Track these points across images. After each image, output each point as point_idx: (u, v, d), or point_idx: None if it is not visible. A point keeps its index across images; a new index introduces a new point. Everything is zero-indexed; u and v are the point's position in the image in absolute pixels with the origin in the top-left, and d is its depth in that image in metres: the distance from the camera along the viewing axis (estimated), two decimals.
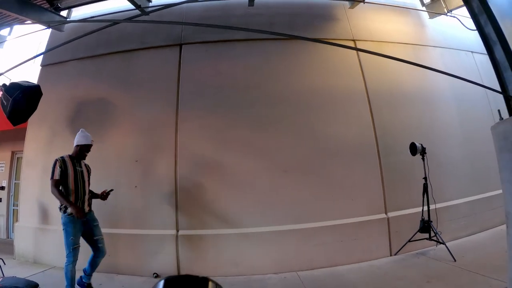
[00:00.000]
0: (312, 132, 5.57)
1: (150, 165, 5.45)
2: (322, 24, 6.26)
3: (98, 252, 4.16)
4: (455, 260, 4.66)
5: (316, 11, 6.37)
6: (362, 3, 6.32)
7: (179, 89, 5.67)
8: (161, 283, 0.76)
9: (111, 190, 4.30)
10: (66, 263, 3.88)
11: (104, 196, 4.34)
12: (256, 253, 5.02)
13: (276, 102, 5.62)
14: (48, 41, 6.61)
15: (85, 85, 5.98)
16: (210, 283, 0.80)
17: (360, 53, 6.15)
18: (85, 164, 4.40)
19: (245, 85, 5.68)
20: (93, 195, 4.41)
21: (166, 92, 5.68)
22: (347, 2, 6.51)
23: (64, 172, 4.05)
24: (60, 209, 4.02)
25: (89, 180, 4.34)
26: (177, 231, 5.18)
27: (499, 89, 3.52)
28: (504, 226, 5.91)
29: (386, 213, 5.50)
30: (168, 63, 5.85)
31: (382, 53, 6.05)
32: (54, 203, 5.36)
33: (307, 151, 5.48)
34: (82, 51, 6.15)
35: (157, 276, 4.93)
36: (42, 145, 5.97)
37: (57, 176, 4.00)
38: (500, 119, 3.42)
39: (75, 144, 4.30)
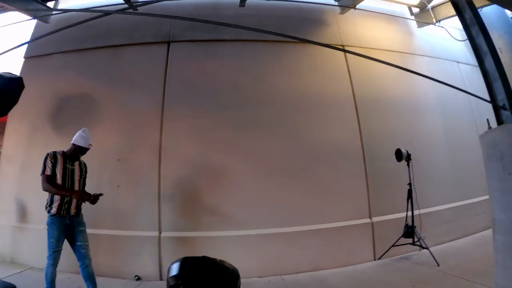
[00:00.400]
0: (299, 135, 5.54)
1: (133, 165, 5.28)
2: (312, 28, 6.26)
3: (81, 259, 3.82)
4: (438, 265, 4.70)
5: (306, 15, 6.36)
6: (353, 9, 6.35)
7: (165, 87, 5.55)
8: (177, 263, 0.72)
9: (101, 194, 3.92)
10: (46, 265, 3.64)
11: (92, 199, 3.91)
12: (241, 256, 4.86)
13: (263, 104, 5.56)
14: (33, 33, 6.38)
15: (69, 80, 5.79)
16: (226, 266, 0.77)
17: (348, 59, 6.18)
18: (80, 163, 4.11)
19: (233, 86, 5.61)
20: None
21: (152, 90, 5.56)
22: (337, 8, 6.54)
23: (52, 168, 3.80)
24: (46, 208, 3.77)
25: (81, 181, 4.05)
26: (160, 232, 5.03)
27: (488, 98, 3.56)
28: (485, 232, 6.15)
29: (370, 218, 5.51)
30: (155, 60, 5.73)
31: (370, 60, 6.24)
32: (33, 200, 5.25)
33: (293, 154, 5.43)
34: (68, 44, 5.96)
35: (138, 278, 4.77)
36: (22, 140, 5.75)
37: (48, 171, 3.76)
38: (488, 128, 3.46)
39: (72, 142, 4.01)
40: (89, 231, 4.80)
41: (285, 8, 6.30)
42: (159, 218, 5.10)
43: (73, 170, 3.94)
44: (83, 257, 3.81)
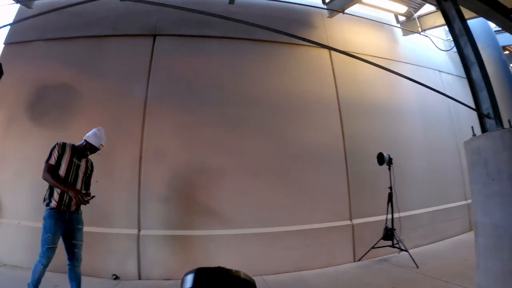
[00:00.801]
0: (283, 136, 5.51)
1: (113, 159, 5.06)
2: (300, 30, 6.23)
3: (73, 258, 3.61)
4: (418, 267, 4.78)
5: (295, 16, 6.35)
6: (340, 14, 6.38)
7: (149, 81, 5.38)
8: (192, 274, 0.66)
9: (93, 196, 3.67)
10: (36, 262, 3.40)
11: (84, 201, 3.62)
12: (221, 256, 4.81)
13: (248, 103, 5.50)
14: (15, 18, 6.10)
15: (50, 68, 5.52)
16: (242, 277, 0.71)
17: (334, 62, 6.23)
18: (87, 161, 3.90)
19: (218, 83, 5.51)
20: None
21: (135, 83, 5.38)
22: (326, 11, 6.56)
23: (58, 158, 3.59)
24: (44, 200, 3.53)
25: (85, 179, 3.83)
26: (139, 230, 4.84)
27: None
28: (462, 236, 6.31)
29: (351, 220, 5.53)
30: (140, 53, 5.55)
31: (356, 65, 6.31)
32: (6, 193, 5.03)
33: (276, 154, 5.40)
34: (51, 32, 5.70)
35: (116, 277, 4.57)
36: None
37: (53, 161, 3.55)
38: (473, 135, 3.54)
39: (84, 138, 3.83)
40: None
41: (274, 8, 6.26)
42: (139, 216, 4.91)
43: (78, 166, 3.73)
44: (75, 257, 3.62)
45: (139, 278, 4.67)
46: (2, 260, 4.83)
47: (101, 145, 3.90)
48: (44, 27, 5.60)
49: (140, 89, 5.34)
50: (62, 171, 3.58)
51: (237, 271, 0.70)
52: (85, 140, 3.81)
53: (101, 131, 3.94)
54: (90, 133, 3.87)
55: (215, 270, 0.74)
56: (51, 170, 3.52)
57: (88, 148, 3.81)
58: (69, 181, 3.59)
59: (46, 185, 3.57)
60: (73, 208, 3.56)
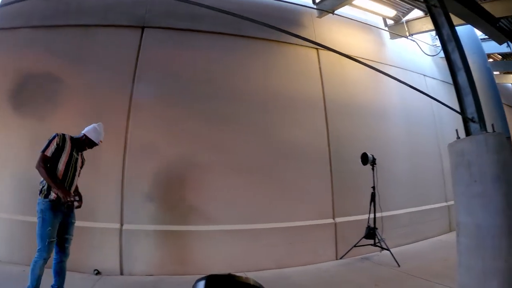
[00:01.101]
0: (268, 133, 5.49)
1: (97, 152, 4.81)
2: (289, 28, 6.07)
3: (62, 253, 3.48)
4: (399, 266, 4.84)
5: (284, 14, 6.30)
6: (330, 14, 6.40)
7: (136, 74, 5.24)
8: (203, 281, 0.65)
9: (79, 201, 3.53)
10: (36, 258, 3.22)
11: (72, 205, 3.49)
12: (204, 252, 4.77)
13: (235, 99, 5.46)
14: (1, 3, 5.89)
15: (35, 57, 5.30)
16: (252, 284, 0.70)
17: (322, 63, 6.26)
18: (82, 155, 3.81)
19: (206, 78, 5.43)
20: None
21: (121, 75, 5.23)
22: (315, 11, 6.55)
23: (59, 151, 3.43)
24: (41, 192, 3.35)
25: (79, 173, 3.75)
26: (122, 225, 4.72)
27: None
28: (442, 236, 6.44)
29: (334, 218, 5.57)
30: (127, 45, 5.39)
31: (343, 67, 6.37)
32: None
33: (262, 152, 5.37)
34: (37, 19, 5.46)
35: (98, 273, 4.43)
36: None
37: (49, 152, 3.37)
38: (457, 138, 3.59)
39: (83, 132, 3.69)
40: None
41: (264, 5, 6.21)
42: (122, 210, 4.78)
43: (76, 160, 3.64)
44: (64, 252, 3.49)
45: (121, 274, 4.56)
46: None
47: (100, 141, 3.79)
48: (30, 13, 5.38)
49: (126, 81, 5.20)
50: (62, 164, 3.45)
51: (247, 278, 0.70)
52: (84, 135, 3.69)
53: (101, 126, 3.82)
54: (89, 128, 3.73)
55: (226, 277, 0.73)
56: (46, 162, 3.37)
57: (87, 143, 3.71)
58: (68, 176, 3.49)
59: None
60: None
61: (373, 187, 5.46)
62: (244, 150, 5.30)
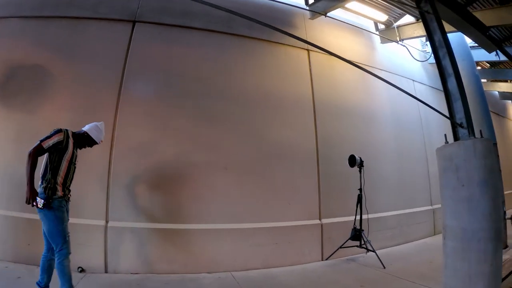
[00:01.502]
0: (257, 133, 5.46)
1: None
2: (281, 28, 6.21)
3: (53, 251, 3.31)
4: (384, 267, 4.86)
5: (276, 14, 6.28)
6: (322, 16, 6.39)
7: (125, 69, 5.12)
8: None
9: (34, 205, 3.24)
10: (60, 258, 3.14)
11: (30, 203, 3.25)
12: (190, 250, 4.70)
13: (225, 98, 5.40)
14: None
15: (24, 48, 5.14)
16: None
17: (312, 64, 6.25)
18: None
19: (196, 75, 5.36)
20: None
21: (111, 69, 5.11)
22: (307, 12, 6.54)
23: (63, 149, 3.34)
24: (46, 189, 3.20)
25: None
26: (107, 222, 4.61)
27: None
28: (427, 239, 6.51)
29: (320, 219, 5.56)
30: (118, 39, 5.27)
31: (333, 69, 6.37)
32: None
33: (250, 151, 5.34)
34: (27, 9, 5.30)
35: (82, 270, 4.31)
36: None
37: (46, 145, 3.23)
38: (445, 143, 3.62)
39: (84, 129, 3.62)
40: (28, 216, 4.37)
41: (257, 5, 6.19)
42: (107, 207, 4.66)
43: (76, 156, 3.56)
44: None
45: (106, 271, 4.46)
46: None
47: (101, 140, 3.76)
48: (20, 3, 5.25)
49: (115, 76, 5.08)
50: (65, 161, 3.37)
51: None
52: (86, 132, 3.61)
53: (103, 125, 3.77)
54: (91, 126, 3.66)
55: None
56: (39, 153, 3.24)
57: (87, 143, 3.65)
58: (70, 173, 3.43)
59: (41, 169, 3.34)
60: (69, 199, 3.44)
61: (360, 189, 5.46)
62: (232, 149, 5.25)
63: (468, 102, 3.74)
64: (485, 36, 4.67)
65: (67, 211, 3.43)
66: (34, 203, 3.15)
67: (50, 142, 3.26)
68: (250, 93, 5.59)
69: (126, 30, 5.36)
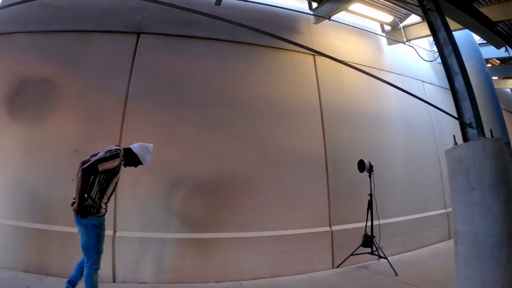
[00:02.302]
0: (264, 140, 5.38)
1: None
2: (285, 35, 6.05)
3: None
4: (396, 274, 4.70)
5: (280, 21, 6.24)
6: (326, 20, 6.31)
7: (131, 79, 5.15)
8: None
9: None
10: (90, 271, 3.24)
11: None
12: (198, 260, 4.64)
13: (230, 105, 5.35)
14: None
15: (31, 62, 5.24)
16: None
17: (318, 68, 6.16)
18: None
19: (201, 84, 5.34)
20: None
21: (117, 81, 5.14)
22: (311, 17, 6.48)
23: (115, 172, 3.38)
24: (92, 207, 3.24)
25: None
26: (115, 232, 4.60)
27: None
28: (441, 244, 6.27)
29: (330, 226, 5.42)
30: (123, 50, 5.32)
31: (339, 72, 6.26)
32: None
33: (256, 159, 5.25)
34: (33, 24, 5.42)
35: None
36: None
37: (102, 168, 3.22)
38: (454, 144, 3.48)
39: (134, 150, 3.62)
40: (39, 226, 4.52)
41: (260, 12, 6.15)
42: (115, 216, 4.65)
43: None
44: None
45: (114, 281, 4.44)
46: None
47: (147, 163, 3.75)
48: (27, 19, 5.37)
49: (121, 87, 5.11)
50: (113, 184, 3.41)
51: None
52: (136, 155, 3.62)
53: (152, 148, 3.78)
54: (140, 146, 3.67)
55: None
56: (93, 172, 3.21)
57: (132, 163, 3.66)
58: (112, 194, 3.48)
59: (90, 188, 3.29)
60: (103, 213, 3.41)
61: (370, 195, 5.32)
62: (238, 157, 5.18)
63: (479, 101, 3.60)
64: (493, 32, 4.49)
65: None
66: (80, 215, 3.20)
67: (106, 166, 3.25)
68: (255, 100, 5.53)
69: (131, 41, 5.41)
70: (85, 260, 3.28)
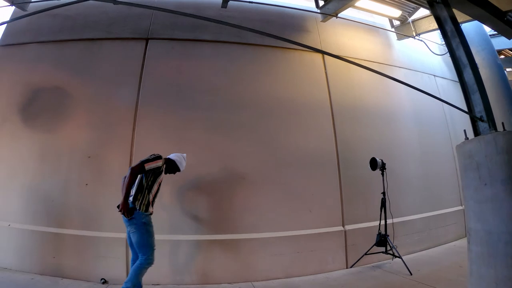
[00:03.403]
0: (274, 141, 5.36)
1: (104, 163, 4.93)
2: (293, 34, 6.11)
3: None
4: (411, 274, 4.62)
5: (288, 20, 6.23)
6: (334, 18, 6.25)
7: (141, 84, 5.25)
8: None
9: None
10: (143, 263, 3.56)
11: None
12: (211, 261, 4.66)
13: (239, 107, 5.36)
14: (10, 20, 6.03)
15: (43, 71, 5.41)
16: None
17: (327, 67, 6.10)
18: None
19: (209, 87, 5.38)
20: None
21: (127, 86, 5.25)
22: (319, 15, 6.43)
23: (159, 173, 3.78)
24: (141, 206, 3.62)
25: None
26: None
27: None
28: (457, 242, 6.14)
29: (343, 226, 5.36)
30: (132, 56, 5.42)
31: (349, 69, 6.17)
32: None
33: (267, 159, 5.24)
34: (44, 34, 5.60)
35: (105, 282, 4.41)
36: None
37: (147, 167, 3.64)
38: (465, 139, 3.39)
39: (174, 159, 4.03)
40: (54, 230, 4.65)
41: (267, 12, 6.16)
42: None
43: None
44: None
45: None
46: None
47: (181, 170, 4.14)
48: (38, 30, 5.55)
49: (132, 92, 5.21)
50: (156, 185, 3.78)
51: None
52: (175, 164, 4.02)
53: (186, 157, 4.21)
54: (177, 156, 4.08)
55: None
56: (140, 172, 3.64)
57: (170, 170, 4.04)
58: (157, 194, 3.82)
59: (134, 186, 3.70)
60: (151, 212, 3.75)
61: (383, 193, 5.24)
62: (249, 158, 5.18)
63: (491, 93, 3.52)
64: (503, 22, 4.33)
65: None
66: (126, 214, 3.56)
67: (152, 165, 3.67)
68: (264, 101, 5.52)
69: (140, 47, 5.52)
70: (140, 256, 3.59)
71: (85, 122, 5.13)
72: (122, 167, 4.84)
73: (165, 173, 3.98)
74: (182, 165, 4.07)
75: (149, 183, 3.70)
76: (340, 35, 6.58)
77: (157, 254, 4.53)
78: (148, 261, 3.57)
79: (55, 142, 5.01)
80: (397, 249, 4.97)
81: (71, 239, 4.64)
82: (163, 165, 3.81)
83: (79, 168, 4.93)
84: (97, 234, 4.69)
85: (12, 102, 5.30)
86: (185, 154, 4.19)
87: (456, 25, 3.63)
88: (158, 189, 3.83)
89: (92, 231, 4.71)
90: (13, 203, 4.84)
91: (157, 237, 4.58)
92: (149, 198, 3.67)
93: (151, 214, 3.71)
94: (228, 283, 4.57)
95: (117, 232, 4.65)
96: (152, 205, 3.75)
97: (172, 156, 4.05)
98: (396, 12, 6.82)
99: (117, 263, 4.57)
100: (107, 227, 4.70)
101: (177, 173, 4.19)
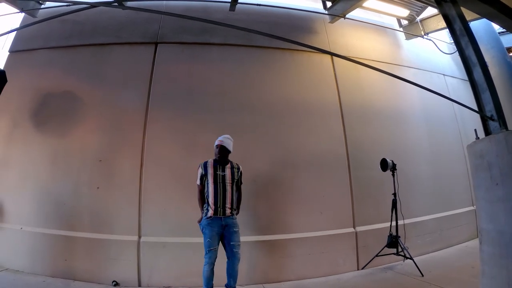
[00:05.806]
0: (283, 143, 5.41)
1: (114, 166, 5.04)
2: (301, 36, 6.15)
3: (232, 257, 4.01)
4: (422, 275, 4.63)
5: (296, 22, 6.29)
6: (342, 19, 6.30)
7: (151, 88, 5.34)
8: None
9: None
10: (204, 263, 3.91)
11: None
12: (222, 263, 4.71)
13: (249, 110, 5.42)
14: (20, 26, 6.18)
15: (53, 76, 5.54)
16: None
17: (336, 68, 6.15)
18: (233, 168, 4.24)
19: (219, 90, 5.46)
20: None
21: (137, 91, 5.35)
22: (327, 16, 6.48)
23: (204, 175, 4.10)
24: (203, 210, 4.09)
25: (234, 184, 4.19)
26: (139, 237, 4.76)
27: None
28: (469, 243, 6.13)
29: (354, 227, 5.38)
30: (142, 61, 5.53)
31: (358, 70, 6.21)
32: (10, 199, 5.06)
33: (277, 162, 5.30)
34: (54, 40, 5.75)
35: (116, 284, 4.50)
36: (1, 136, 5.45)
37: (198, 181, 4.14)
38: (476, 138, 3.42)
39: (223, 145, 4.18)
40: (65, 233, 4.75)
41: (275, 14, 6.21)
42: (139, 222, 4.83)
43: (224, 176, 4.10)
44: (233, 255, 3.98)
45: (139, 285, 4.60)
46: (4, 264, 4.81)
47: (220, 141, 4.18)
48: (48, 36, 5.69)
49: (142, 96, 5.31)
50: (210, 186, 4.04)
51: None
52: (219, 145, 4.16)
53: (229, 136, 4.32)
54: (224, 137, 4.24)
55: None
56: (200, 192, 4.14)
57: (225, 153, 4.17)
58: (218, 194, 4.02)
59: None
60: (228, 214, 4.02)
61: (394, 194, 5.26)
62: (259, 161, 5.23)
63: (502, 92, 3.55)
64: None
65: (230, 224, 4.02)
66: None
67: (198, 178, 4.15)
68: (274, 103, 5.58)
69: (149, 51, 5.62)
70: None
71: (95, 126, 5.24)
72: (133, 170, 5.00)
73: (222, 164, 4.15)
74: (230, 145, 4.20)
75: (204, 189, 4.12)
76: (349, 36, 6.62)
77: (168, 257, 4.72)
78: (205, 260, 3.92)
79: (66, 146, 5.13)
80: (408, 250, 4.98)
81: (82, 242, 4.74)
82: (202, 170, 4.10)
83: (90, 172, 5.04)
84: (108, 237, 4.78)
85: (24, 107, 5.44)
86: (227, 135, 4.30)
87: (465, 23, 3.65)
88: (216, 188, 4.02)
89: (103, 234, 4.80)
90: (25, 206, 4.96)
91: (168, 239, 4.76)
92: (208, 202, 4.03)
93: (209, 217, 3.97)
94: (239, 285, 4.60)
95: (128, 234, 4.79)
96: (217, 206, 3.98)
97: (222, 142, 4.15)
98: (404, 12, 6.83)
99: (128, 265, 4.66)
100: (118, 230, 4.81)
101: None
